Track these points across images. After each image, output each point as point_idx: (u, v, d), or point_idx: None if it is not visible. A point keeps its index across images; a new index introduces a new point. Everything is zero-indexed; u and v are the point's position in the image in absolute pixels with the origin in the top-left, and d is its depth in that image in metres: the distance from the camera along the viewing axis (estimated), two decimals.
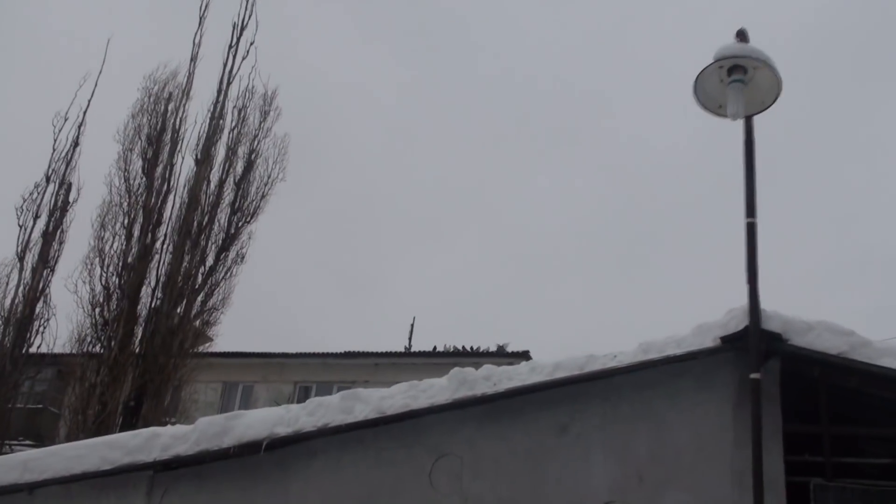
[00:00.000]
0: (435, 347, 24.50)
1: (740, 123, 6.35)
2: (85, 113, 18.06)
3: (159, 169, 17.41)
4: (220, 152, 18.12)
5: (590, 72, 63.35)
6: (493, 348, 22.89)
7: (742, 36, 6.35)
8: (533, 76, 60.38)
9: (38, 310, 16.43)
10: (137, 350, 16.03)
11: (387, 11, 60.32)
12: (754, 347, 6.05)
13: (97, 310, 16.12)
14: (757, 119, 6.35)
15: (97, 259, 16.43)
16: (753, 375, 5.96)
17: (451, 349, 23.86)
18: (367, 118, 59.07)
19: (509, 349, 21.84)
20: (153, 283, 16.60)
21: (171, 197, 17.32)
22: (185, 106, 18.20)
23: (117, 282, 16.35)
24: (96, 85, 18.35)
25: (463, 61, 61.90)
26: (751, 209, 6.16)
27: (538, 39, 61.61)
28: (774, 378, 6.41)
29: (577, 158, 61.14)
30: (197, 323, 16.91)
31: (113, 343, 15.78)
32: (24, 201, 17.21)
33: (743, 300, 6.18)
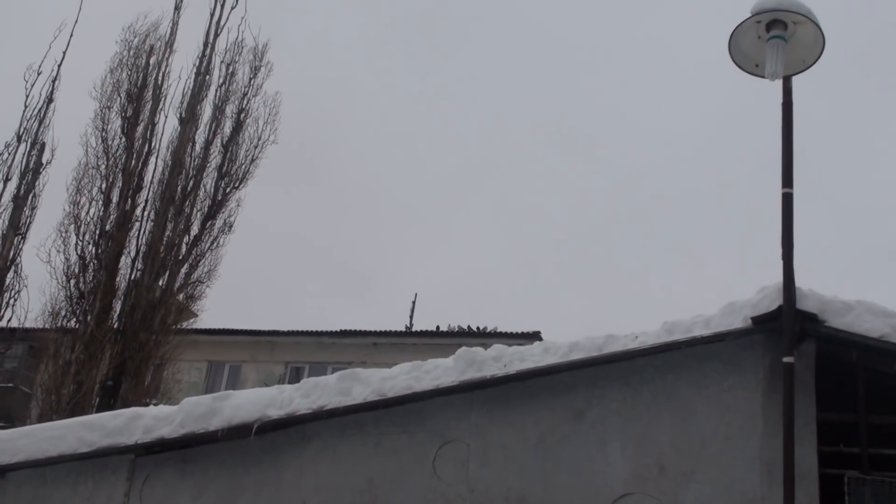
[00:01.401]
0: (438, 327, 24.59)
1: (776, 87, 6.32)
2: (59, 67, 18.04)
3: (140, 128, 17.42)
4: (207, 111, 18.16)
5: (599, 58, 63.27)
6: (501, 329, 22.96)
7: None
8: (543, 66, 60.36)
9: (7, 280, 16.48)
10: (116, 325, 16.10)
11: (391, 9, 60.45)
12: (788, 329, 6.07)
13: (72, 281, 16.20)
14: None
15: (72, 226, 16.49)
16: (786, 359, 5.98)
17: (457, 328, 23.95)
18: (374, 106, 59.19)
19: (521, 330, 21.88)
20: (133, 253, 16.69)
21: (152, 159, 17.39)
22: (168, 60, 18.21)
23: (94, 251, 16.40)
24: (71, 36, 18.30)
25: (468, 51, 61.87)
26: (787, 178, 6.16)
27: (545, 31, 61.46)
28: (809, 362, 6.43)
29: (594, 144, 61.09)
30: (180, 297, 16.98)
31: (89, 317, 15.85)
32: None
33: (776, 279, 6.19)
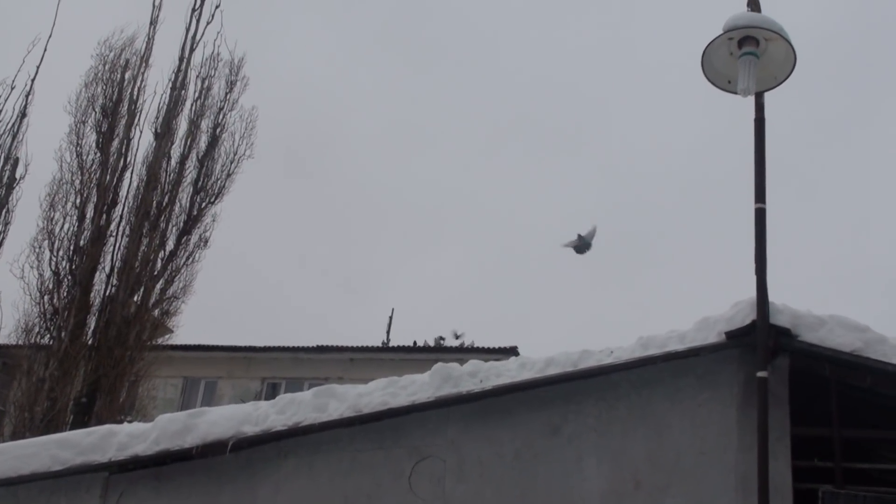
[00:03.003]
0: (415, 342, 24.57)
1: (749, 102, 6.40)
2: (33, 81, 17.98)
3: (115, 143, 17.35)
4: (182, 126, 18.13)
5: (589, 71, 63.74)
6: (478, 344, 22.96)
7: (754, 4, 6.40)
8: (532, 76, 60.72)
9: None
10: (90, 342, 16.01)
11: (384, 11, 60.70)
12: (762, 343, 6.11)
13: (46, 297, 16.08)
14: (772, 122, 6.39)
15: (46, 242, 16.39)
16: (760, 374, 6.02)
17: (434, 344, 23.93)
18: (362, 117, 59.34)
19: (496, 345, 21.90)
20: (108, 269, 16.60)
21: (127, 174, 17.33)
22: (143, 74, 18.17)
23: (68, 267, 16.31)
24: (45, 50, 18.24)
25: (459, 62, 62.18)
26: (760, 194, 6.22)
27: (538, 39, 61.94)
28: (783, 377, 6.47)
29: (576, 157, 61.47)
30: (155, 312, 16.90)
31: (63, 334, 15.74)
32: None
33: (750, 294, 6.24)
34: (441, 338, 25.25)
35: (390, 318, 28.52)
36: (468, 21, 64.34)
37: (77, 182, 16.87)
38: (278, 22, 55.36)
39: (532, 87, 60.75)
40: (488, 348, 21.32)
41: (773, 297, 6.26)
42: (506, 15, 62.18)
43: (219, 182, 17.99)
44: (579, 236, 20.45)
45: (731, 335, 6.40)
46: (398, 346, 23.81)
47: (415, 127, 61.78)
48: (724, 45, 6.26)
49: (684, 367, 6.59)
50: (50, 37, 18.33)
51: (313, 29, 60.34)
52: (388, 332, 28.00)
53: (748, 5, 6.35)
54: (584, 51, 65.49)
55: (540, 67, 62.59)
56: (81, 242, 16.50)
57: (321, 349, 22.61)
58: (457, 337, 25.89)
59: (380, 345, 24.92)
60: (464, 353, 21.18)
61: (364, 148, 58.42)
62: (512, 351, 20.36)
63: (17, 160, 17.48)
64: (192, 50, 18.58)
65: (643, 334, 6.84)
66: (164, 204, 17.27)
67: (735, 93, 6.26)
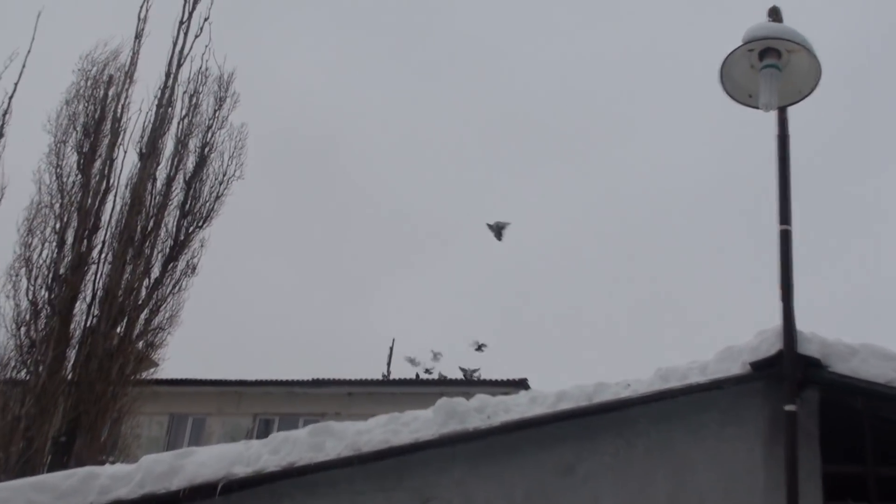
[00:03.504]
0: (418, 375, 24.56)
1: (772, 118, 6.43)
2: (11, 98, 18.05)
3: (97, 164, 17.42)
4: (169, 145, 18.17)
5: (598, 85, 64.07)
6: (486, 376, 22.97)
7: (775, 14, 6.44)
8: (538, 87, 61.01)
9: None
10: (70, 376, 15.98)
11: (385, 15, 61.10)
12: (789, 375, 6.11)
13: (23, 329, 16.07)
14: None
15: (23, 269, 16.39)
16: (788, 407, 6.01)
17: (438, 377, 23.91)
18: (364, 131, 59.65)
19: (506, 377, 21.86)
20: (89, 298, 16.59)
21: (110, 197, 17.36)
22: (127, 91, 18.24)
23: (47, 296, 16.31)
24: (24, 66, 18.33)
25: (466, 73, 62.53)
26: (785, 215, 6.24)
27: (547, 50, 62.33)
28: (812, 410, 6.46)
29: (585, 172, 61.62)
30: (140, 345, 16.87)
31: (41, 368, 15.72)
32: None
33: (775, 321, 6.24)
34: (437, 355, 25.58)
35: (391, 348, 28.50)
36: (474, 31, 64.72)
37: (57, 206, 16.93)
38: (273, 33, 55.69)
39: (540, 98, 60.93)
40: (496, 381, 21.27)
41: (801, 325, 6.27)
42: (513, 26, 62.52)
43: (207, 205, 18.01)
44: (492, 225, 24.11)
45: (756, 366, 6.39)
46: (400, 380, 23.80)
47: (419, 140, 61.94)
48: (745, 58, 6.30)
49: (706, 401, 6.59)
50: (29, 52, 18.45)
51: (312, 40, 60.66)
52: (388, 364, 27.97)
53: (769, 15, 6.40)
54: (593, 63, 65.76)
55: (548, 79, 62.83)
56: (61, 270, 16.51)
57: (317, 383, 22.58)
58: (478, 347, 26.25)
59: (380, 378, 24.88)
60: (470, 386, 21.15)
61: (366, 162, 58.57)
62: (521, 384, 20.31)
63: None
64: (179, 65, 18.65)
65: (662, 365, 6.85)
66: (150, 228, 17.29)
67: (756, 107, 6.30)
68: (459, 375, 24.46)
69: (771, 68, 6.22)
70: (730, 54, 6.29)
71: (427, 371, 26.22)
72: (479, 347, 27.35)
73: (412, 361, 26.80)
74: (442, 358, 26.03)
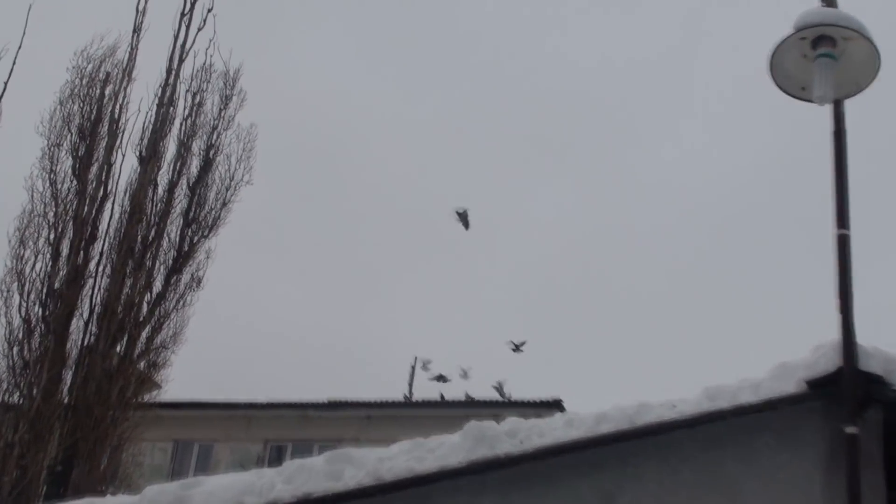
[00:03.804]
0: (443, 396, 24.53)
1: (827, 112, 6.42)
2: (0, 99, 18.18)
3: (94, 169, 17.53)
4: (171, 148, 18.29)
5: (630, 82, 63.99)
6: (516, 397, 22.91)
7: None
8: (563, 88, 61.08)
9: None
10: (66, 400, 16.07)
11: (396, 21, 61.48)
12: (849, 393, 6.08)
13: (15, 349, 16.19)
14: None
15: (15, 284, 16.51)
16: (849, 429, 5.98)
17: (465, 398, 23.88)
18: (380, 130, 59.85)
19: (538, 398, 21.81)
20: (86, 315, 16.69)
21: (108, 205, 17.47)
22: (126, 90, 18.36)
23: (41, 313, 16.42)
24: (14, 63, 18.41)
25: (477, 71, 62.69)
26: (842, 218, 6.22)
27: (571, 49, 62.37)
28: (876, 432, 6.43)
29: (616, 174, 61.53)
30: (141, 365, 16.97)
31: (35, 391, 15.82)
32: None
33: (833, 335, 6.22)
34: (465, 372, 25.84)
35: (413, 367, 28.53)
36: (494, 30, 64.85)
37: (50, 214, 17.04)
38: (282, 27, 56.06)
39: (564, 99, 61.02)
40: (528, 402, 21.26)
41: (861, 338, 6.24)
42: (540, 23, 62.56)
43: (213, 212, 18.11)
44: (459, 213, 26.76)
45: (813, 384, 6.37)
46: (423, 401, 23.80)
47: (437, 139, 62.04)
48: (796, 47, 6.29)
49: (759, 423, 6.57)
50: (19, 48, 18.57)
51: (324, 36, 61.02)
52: (410, 385, 28.02)
53: (822, 0, 6.39)
54: (622, 59, 65.71)
55: (572, 78, 62.83)
56: (56, 284, 16.61)
57: (333, 405, 22.62)
58: (515, 347, 26.47)
59: (401, 399, 24.89)
60: (500, 407, 21.13)
61: (380, 164, 58.70)
62: (556, 405, 20.28)
63: None
64: (181, 61, 18.76)
65: (710, 384, 6.83)
66: (151, 238, 17.39)
67: (810, 101, 6.29)
68: (487, 396, 24.41)
69: (825, 58, 6.20)
70: (780, 43, 6.28)
71: (440, 378, 26.64)
72: (517, 347, 27.63)
73: (441, 378, 26.87)
74: (470, 376, 26.15)
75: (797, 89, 6.42)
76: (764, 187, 61.11)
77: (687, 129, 61.19)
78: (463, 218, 26.53)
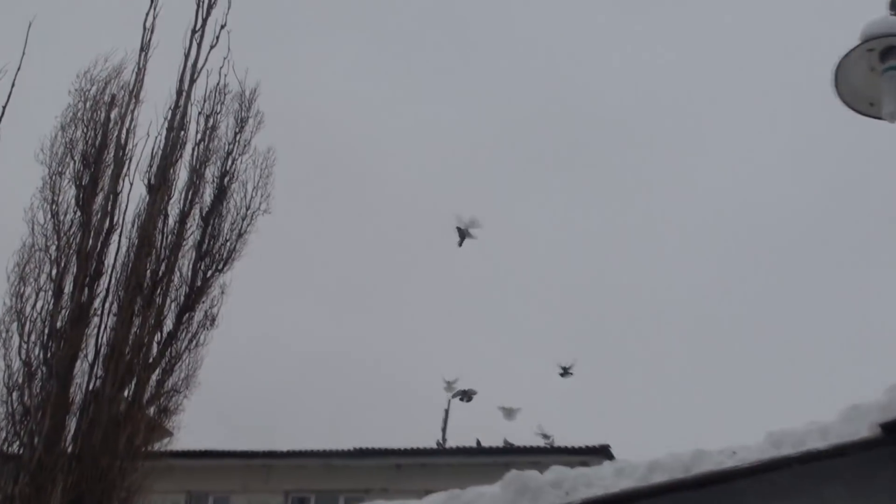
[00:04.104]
0: (479, 442, 24.45)
1: None
2: None
3: (99, 199, 17.61)
4: (182, 175, 18.30)
5: (664, 96, 64.08)
6: (560, 443, 22.84)
7: None
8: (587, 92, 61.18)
9: None
10: (70, 449, 16.11)
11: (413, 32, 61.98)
12: None
13: (15, 394, 16.25)
14: None
15: (15, 324, 16.59)
16: None
17: (504, 445, 23.82)
18: (398, 148, 60.20)
19: (584, 444, 21.73)
20: (91, 357, 16.70)
21: (115, 237, 17.49)
22: (133, 113, 18.43)
23: (42, 355, 16.48)
24: (13, 85, 18.58)
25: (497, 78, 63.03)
26: None
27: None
28: None
29: (659, 200, 61.48)
30: (151, 411, 16.99)
31: (36, 440, 15.87)
32: None
33: None
34: (510, 412, 25.94)
35: (446, 411, 28.51)
36: (530, 41, 65.11)
37: (52, 249, 17.12)
38: (302, 47, 56.48)
39: (595, 112, 61.02)
40: (573, 448, 21.20)
41: None
42: (580, 29, 62.75)
43: (228, 244, 18.13)
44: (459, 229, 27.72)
45: (888, 428, 6.34)
46: (458, 448, 23.78)
47: (472, 164, 62.22)
48: (864, 59, 6.30)
49: (829, 471, 6.54)
50: (18, 69, 18.72)
51: (342, 52, 61.50)
52: (443, 430, 28.02)
53: (890, 7, 6.39)
54: (662, 67, 65.73)
55: (604, 89, 62.94)
56: (58, 324, 16.67)
57: (360, 453, 22.64)
58: (564, 371, 26.67)
59: (434, 446, 24.87)
60: (542, 454, 21.10)
61: (413, 190, 58.91)
62: (603, 451, 20.21)
63: None
64: (192, 81, 18.83)
65: (773, 428, 6.81)
66: (161, 273, 17.44)
67: (879, 118, 6.29)
68: (528, 441, 24.34)
69: (895, 71, 6.21)
70: (845, 56, 6.30)
71: (464, 395, 26.92)
72: (566, 371, 27.80)
73: (465, 396, 27.10)
74: (518, 414, 26.26)
75: (865, 105, 6.42)
76: (826, 212, 60.75)
77: (740, 148, 61.00)
78: (462, 235, 27.26)
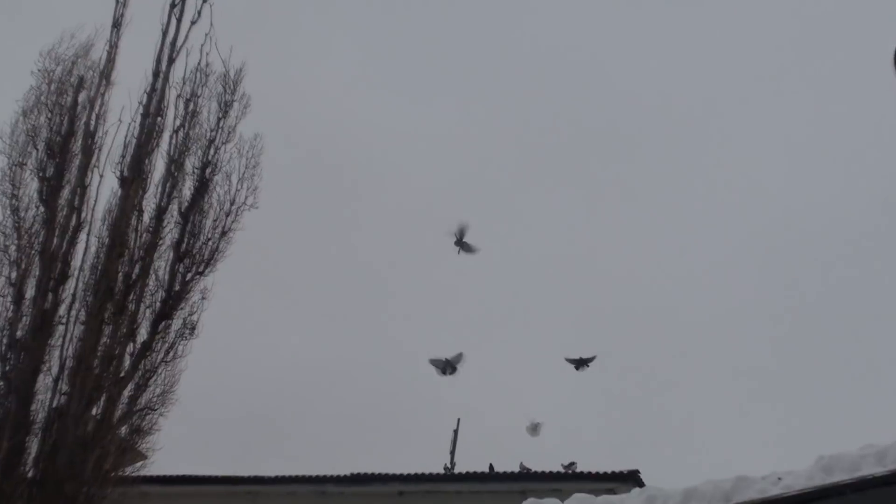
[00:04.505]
0: (492, 466, 24.38)
1: None
2: None
3: (65, 193, 17.63)
4: (159, 166, 18.30)
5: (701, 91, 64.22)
6: (582, 469, 22.74)
7: None
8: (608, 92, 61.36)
9: None
10: (31, 473, 16.10)
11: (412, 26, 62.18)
12: None
13: None
14: None
15: None
16: None
17: (520, 469, 23.76)
18: (401, 144, 60.26)
19: (609, 469, 21.65)
20: (55, 371, 16.71)
21: (83, 236, 17.54)
22: (103, 97, 18.50)
23: (1, 369, 16.47)
24: None
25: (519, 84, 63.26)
26: None
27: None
28: None
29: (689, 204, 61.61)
30: (123, 431, 16.95)
31: None
32: None
33: None
34: (535, 427, 26.09)
35: (455, 432, 28.42)
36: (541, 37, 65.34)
37: (12, 249, 17.16)
38: (291, 19, 56.49)
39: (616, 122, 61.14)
40: (597, 474, 21.05)
41: None
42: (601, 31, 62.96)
43: (210, 244, 18.05)
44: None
45: None
46: (468, 473, 23.63)
47: (473, 164, 62.40)
48: None
49: (886, 500, 6.51)
50: None
51: (343, 42, 61.61)
52: (452, 454, 27.86)
53: None
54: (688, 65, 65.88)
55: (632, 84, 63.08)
56: (18, 333, 16.68)
57: (357, 479, 22.58)
58: (579, 363, 26.92)
59: (441, 471, 24.81)
60: (563, 481, 20.98)
61: (418, 190, 59.03)
62: (631, 477, 20.12)
63: None
64: (171, 61, 18.83)
65: (824, 453, 6.78)
66: (135, 277, 17.39)
67: None
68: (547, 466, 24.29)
69: None
70: None
71: (447, 367, 27.27)
72: (581, 364, 28.60)
73: (448, 367, 27.45)
74: (542, 427, 26.43)
75: None
76: (875, 223, 60.79)
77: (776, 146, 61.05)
78: (460, 241, 27.60)
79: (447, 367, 27.74)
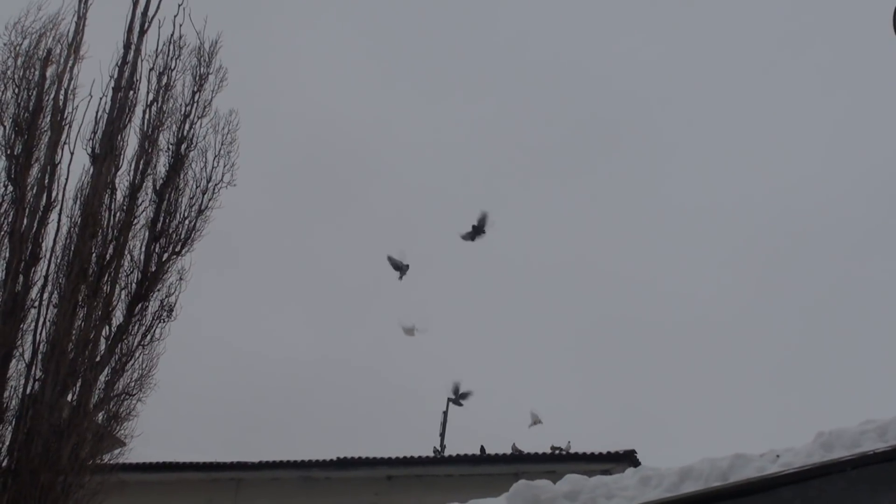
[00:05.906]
0: (483, 449, 24.48)
1: None
2: None
3: (34, 171, 17.58)
4: (132, 142, 18.23)
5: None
6: (575, 448, 22.86)
7: None
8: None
9: None
10: (4, 463, 16.12)
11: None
12: None
13: None
14: None
15: None
16: None
17: (512, 451, 23.87)
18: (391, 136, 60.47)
19: (603, 449, 21.72)
20: (28, 356, 16.71)
21: (53, 216, 17.50)
22: (72, 70, 18.40)
23: None
24: None
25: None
26: None
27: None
28: None
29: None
30: (99, 417, 16.97)
31: None
32: None
33: None
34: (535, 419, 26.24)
35: (444, 414, 28.53)
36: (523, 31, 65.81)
37: None
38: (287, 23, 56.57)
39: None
40: (591, 454, 21.18)
41: None
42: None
43: (187, 222, 18.03)
44: (473, 227, 28.89)
45: None
46: (458, 456, 23.73)
47: (474, 164, 62.71)
48: None
49: (887, 476, 6.55)
50: None
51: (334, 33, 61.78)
52: (442, 436, 28.03)
53: None
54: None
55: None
56: None
57: (344, 463, 22.64)
58: (456, 397, 27.16)
59: (431, 454, 24.89)
60: (557, 462, 21.05)
61: (399, 179, 59.26)
62: (628, 458, 20.21)
63: None
64: (142, 32, 18.76)
65: (823, 429, 6.82)
66: (109, 257, 17.36)
67: None
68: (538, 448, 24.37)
69: None
70: None
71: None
72: (457, 398, 29.23)
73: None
74: (543, 421, 26.64)
75: None
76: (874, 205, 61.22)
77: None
78: (479, 228, 28.25)
79: (403, 269, 29.65)
